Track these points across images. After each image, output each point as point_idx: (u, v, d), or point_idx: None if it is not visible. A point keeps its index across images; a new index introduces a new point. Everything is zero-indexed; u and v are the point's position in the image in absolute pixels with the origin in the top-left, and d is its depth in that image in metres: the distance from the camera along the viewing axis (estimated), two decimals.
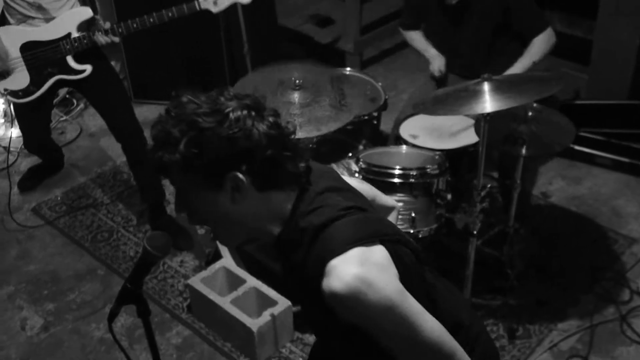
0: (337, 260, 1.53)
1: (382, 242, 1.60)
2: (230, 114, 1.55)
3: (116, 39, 3.58)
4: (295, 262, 1.66)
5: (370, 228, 1.62)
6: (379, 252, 1.58)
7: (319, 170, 1.77)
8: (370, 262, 1.55)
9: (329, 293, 1.53)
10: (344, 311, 1.55)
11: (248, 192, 1.60)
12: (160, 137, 1.58)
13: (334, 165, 3.44)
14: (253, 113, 1.57)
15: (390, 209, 2.12)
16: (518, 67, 3.50)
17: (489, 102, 2.79)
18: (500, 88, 2.85)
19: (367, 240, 1.57)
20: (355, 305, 1.52)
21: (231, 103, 1.57)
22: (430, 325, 1.60)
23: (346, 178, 1.88)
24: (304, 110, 3.31)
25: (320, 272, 1.55)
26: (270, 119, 1.59)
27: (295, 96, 3.38)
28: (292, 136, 1.64)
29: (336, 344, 1.83)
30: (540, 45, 3.53)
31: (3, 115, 4.94)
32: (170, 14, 3.54)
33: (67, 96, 5.21)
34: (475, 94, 2.85)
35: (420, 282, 1.71)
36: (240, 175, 1.57)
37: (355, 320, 1.57)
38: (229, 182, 1.57)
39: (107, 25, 3.57)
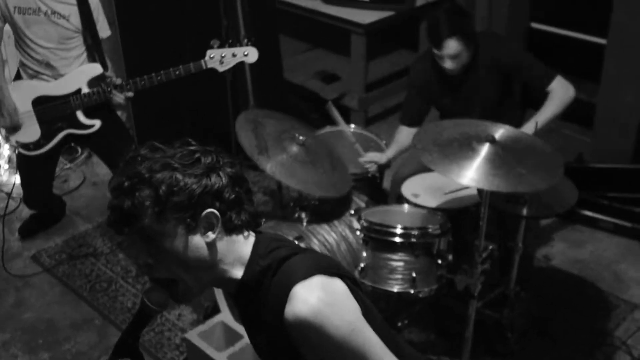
0: (299, 286, 1.57)
1: (341, 278, 1.64)
2: (202, 158, 1.64)
3: (130, 94, 3.66)
4: (255, 304, 1.69)
5: (329, 263, 1.68)
6: (340, 284, 1.62)
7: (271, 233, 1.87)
8: (331, 289, 1.59)
9: (293, 317, 1.56)
10: (306, 338, 1.57)
11: (218, 232, 1.65)
12: (130, 181, 1.60)
13: (335, 222, 3.45)
14: (220, 158, 1.67)
15: None
16: (537, 120, 3.42)
17: (484, 175, 2.80)
18: (502, 155, 2.86)
19: (327, 271, 1.62)
20: (318, 329, 1.55)
21: (198, 148, 1.67)
22: (390, 358, 1.63)
23: None
24: (294, 164, 3.36)
25: (283, 300, 1.58)
26: (231, 164, 1.69)
27: (294, 149, 3.41)
28: (247, 181, 1.74)
29: None
30: (554, 101, 3.48)
31: (7, 161, 4.96)
32: (177, 72, 3.64)
33: (72, 144, 5.23)
34: (475, 156, 2.87)
35: (381, 323, 1.73)
36: (217, 212, 1.63)
37: (317, 351, 1.59)
38: (204, 221, 1.63)
39: (119, 81, 3.64)
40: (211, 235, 1.64)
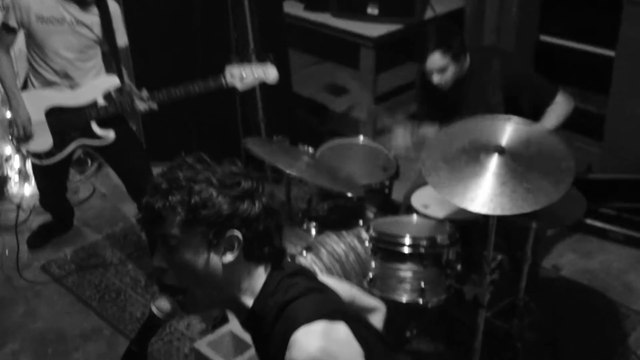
0: (301, 332, 1.58)
1: (345, 321, 1.64)
2: (242, 182, 1.64)
3: (154, 106, 3.65)
4: (262, 338, 1.70)
5: (333, 306, 1.69)
6: (342, 329, 1.62)
7: (292, 262, 1.89)
8: (333, 336, 1.59)
9: None
10: None
11: (237, 256, 1.65)
12: (168, 184, 1.62)
13: (344, 233, 3.45)
14: (259, 188, 1.67)
15: (372, 311, 2.10)
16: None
17: (494, 197, 2.74)
18: (511, 166, 2.84)
19: (330, 315, 1.62)
20: None
21: (240, 171, 1.67)
22: None
23: (323, 277, 1.91)
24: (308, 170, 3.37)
25: (284, 344, 1.58)
26: (270, 196, 1.69)
27: (305, 159, 3.42)
28: (282, 217, 1.73)
29: None
30: (554, 113, 3.50)
31: (18, 173, 4.98)
32: (197, 89, 3.62)
33: (82, 156, 5.26)
34: (484, 171, 2.83)
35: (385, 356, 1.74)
36: (240, 235, 1.63)
37: None
38: (226, 242, 1.63)
39: (145, 93, 3.65)
40: (229, 257, 1.65)
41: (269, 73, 3.67)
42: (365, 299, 2.09)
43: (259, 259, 1.70)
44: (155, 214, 1.62)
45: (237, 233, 1.63)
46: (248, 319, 1.73)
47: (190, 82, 3.65)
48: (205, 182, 1.61)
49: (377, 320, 2.10)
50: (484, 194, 2.76)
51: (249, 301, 1.71)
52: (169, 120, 5.05)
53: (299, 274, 1.76)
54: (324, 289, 1.77)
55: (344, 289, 1.99)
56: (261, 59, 3.70)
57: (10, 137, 3.84)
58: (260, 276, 1.71)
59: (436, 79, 3.47)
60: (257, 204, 1.64)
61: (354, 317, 1.71)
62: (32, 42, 3.66)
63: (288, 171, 3.24)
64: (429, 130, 3.77)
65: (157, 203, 1.62)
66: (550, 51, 5.21)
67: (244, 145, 3.50)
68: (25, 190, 4.87)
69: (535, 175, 2.81)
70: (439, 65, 3.41)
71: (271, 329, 1.65)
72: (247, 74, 3.63)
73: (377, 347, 1.72)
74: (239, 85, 3.65)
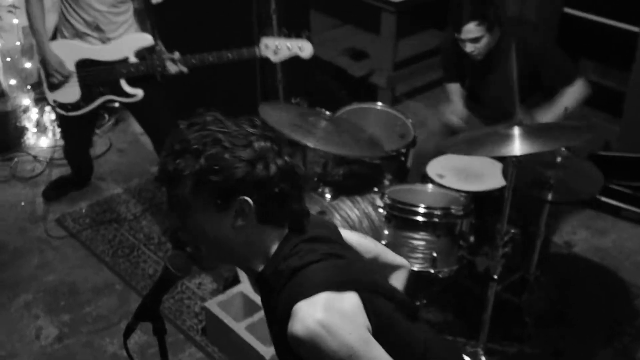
0: (303, 303, 1.56)
1: (357, 291, 1.61)
2: (254, 143, 1.60)
3: (185, 69, 3.67)
4: (269, 303, 1.68)
5: (344, 274, 1.64)
6: (347, 300, 1.60)
7: (315, 221, 1.80)
8: (335, 309, 1.56)
9: (291, 336, 1.55)
10: (306, 355, 1.57)
11: (249, 220, 1.62)
12: (180, 145, 1.60)
13: (358, 199, 3.45)
14: (275, 147, 1.62)
15: (396, 268, 2.07)
16: (548, 116, 3.50)
17: (518, 146, 2.78)
18: (530, 133, 2.85)
19: (338, 286, 1.59)
20: (314, 350, 1.54)
21: (256, 131, 1.62)
22: None
23: (347, 232, 1.88)
24: (325, 132, 3.38)
25: (287, 314, 1.57)
26: (286, 157, 1.63)
27: (323, 124, 3.41)
28: (302, 179, 1.68)
29: None
30: (570, 95, 3.53)
31: (36, 124, 5.00)
32: (229, 56, 3.67)
33: (100, 110, 5.26)
34: (505, 138, 2.84)
35: (400, 334, 1.71)
36: (250, 201, 1.59)
37: None
38: (236, 205, 1.60)
39: (177, 55, 3.66)
40: (240, 222, 1.62)
41: (305, 48, 3.69)
42: (390, 256, 2.05)
43: (274, 222, 1.66)
44: (168, 176, 1.62)
45: (247, 198, 1.59)
46: (257, 281, 1.72)
47: (224, 49, 3.67)
48: (216, 145, 1.58)
49: (401, 277, 2.07)
50: (505, 142, 2.81)
51: (260, 265, 1.69)
52: (185, 79, 5.03)
53: (319, 238, 1.72)
54: (345, 254, 1.73)
55: (369, 246, 1.97)
56: (298, 34, 3.70)
57: (41, 83, 3.84)
58: (274, 240, 1.68)
59: (469, 48, 3.50)
60: (271, 166, 1.59)
61: (372, 286, 1.67)
62: None
63: (304, 142, 3.24)
64: (454, 88, 3.89)
65: (169, 165, 1.61)
66: (573, 24, 5.15)
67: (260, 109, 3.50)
68: (42, 142, 4.90)
69: (554, 131, 2.95)
70: (474, 36, 3.43)
71: (278, 295, 1.63)
72: (282, 47, 3.66)
73: (394, 320, 1.69)
74: (273, 58, 3.69)
